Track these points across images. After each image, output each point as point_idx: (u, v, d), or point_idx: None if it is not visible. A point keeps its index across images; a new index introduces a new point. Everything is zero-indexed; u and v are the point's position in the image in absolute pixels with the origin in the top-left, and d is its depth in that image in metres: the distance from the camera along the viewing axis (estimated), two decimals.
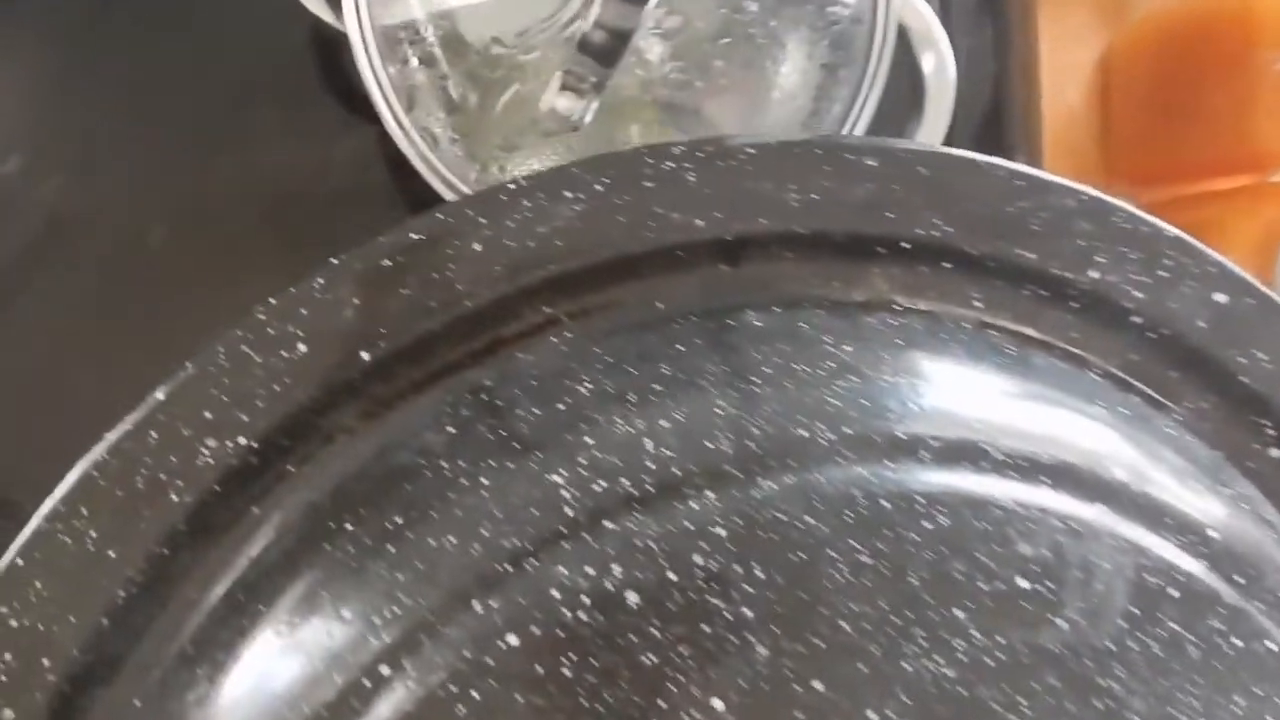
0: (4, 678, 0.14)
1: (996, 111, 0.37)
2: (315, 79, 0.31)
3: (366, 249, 0.15)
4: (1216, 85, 0.31)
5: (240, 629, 0.15)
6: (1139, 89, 0.35)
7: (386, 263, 0.16)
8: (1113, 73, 0.37)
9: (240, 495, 0.15)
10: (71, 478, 0.15)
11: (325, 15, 0.27)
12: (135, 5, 0.31)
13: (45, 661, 0.15)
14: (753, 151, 0.16)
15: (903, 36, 0.28)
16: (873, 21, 0.28)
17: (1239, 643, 0.16)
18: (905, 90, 0.29)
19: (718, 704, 0.14)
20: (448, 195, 0.26)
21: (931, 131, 0.29)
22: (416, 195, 0.26)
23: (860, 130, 0.28)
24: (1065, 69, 0.37)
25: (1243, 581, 0.16)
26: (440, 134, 0.27)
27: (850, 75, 0.29)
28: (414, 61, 0.27)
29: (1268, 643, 0.16)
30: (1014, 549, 0.15)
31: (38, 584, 0.15)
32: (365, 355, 0.16)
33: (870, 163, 0.17)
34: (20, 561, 0.15)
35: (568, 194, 0.16)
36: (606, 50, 0.24)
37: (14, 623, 0.15)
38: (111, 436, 0.15)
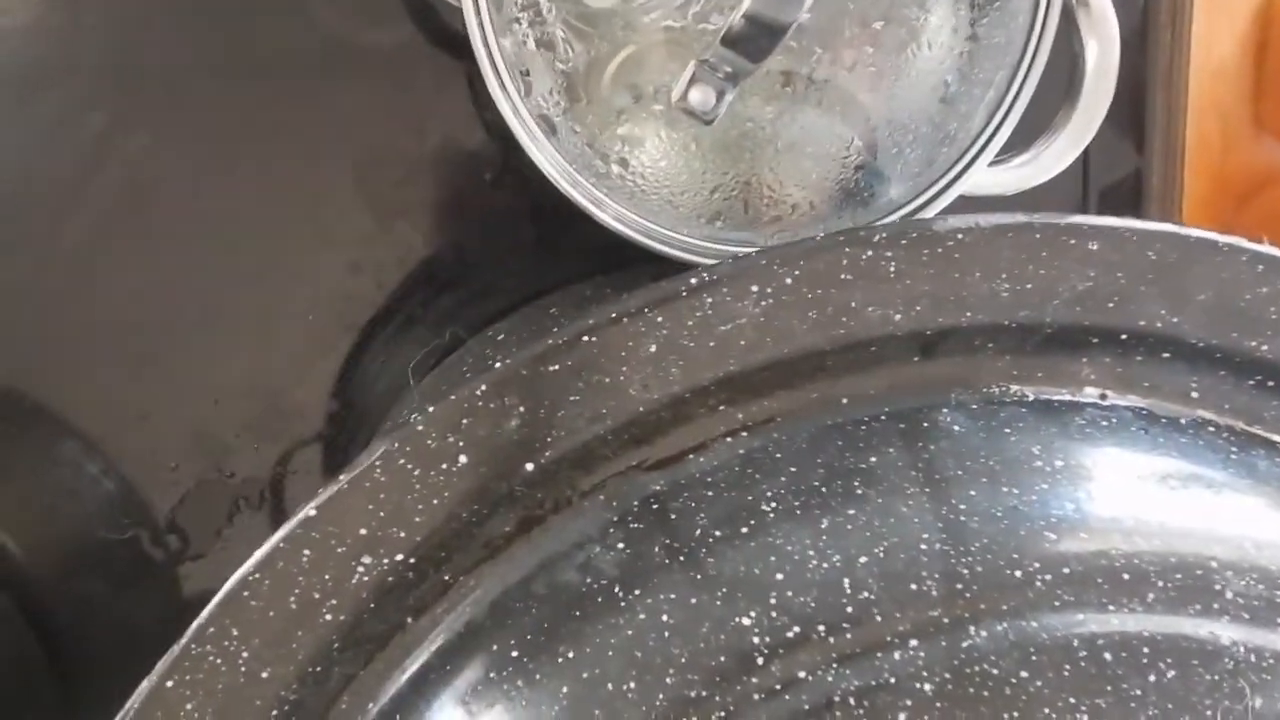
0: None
1: (1136, 76, 0.34)
2: (418, 43, 0.29)
3: (533, 352, 0.14)
4: None
5: None
6: None
7: (555, 368, 0.14)
8: (1273, 26, 0.34)
9: (396, 608, 0.14)
10: (221, 595, 0.14)
11: None
12: None
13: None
14: (961, 237, 0.14)
15: (1066, 16, 0.25)
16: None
17: None
18: (1055, 71, 0.27)
19: None
20: (564, 186, 0.24)
21: (1086, 124, 0.26)
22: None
23: (1012, 119, 0.26)
24: (1220, 21, 0.34)
25: None
26: (560, 123, 0.25)
27: (1002, 55, 0.26)
28: (531, 44, 0.25)
29: None
30: (1247, 703, 0.14)
31: (189, 706, 0.14)
32: (529, 466, 0.14)
33: (1093, 246, 0.15)
34: (170, 684, 0.14)
35: (754, 289, 0.14)
36: (755, 45, 0.21)
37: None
38: (261, 553, 0.14)
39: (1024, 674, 0.13)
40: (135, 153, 0.30)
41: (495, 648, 0.14)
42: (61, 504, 0.30)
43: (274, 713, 0.14)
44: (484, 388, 0.14)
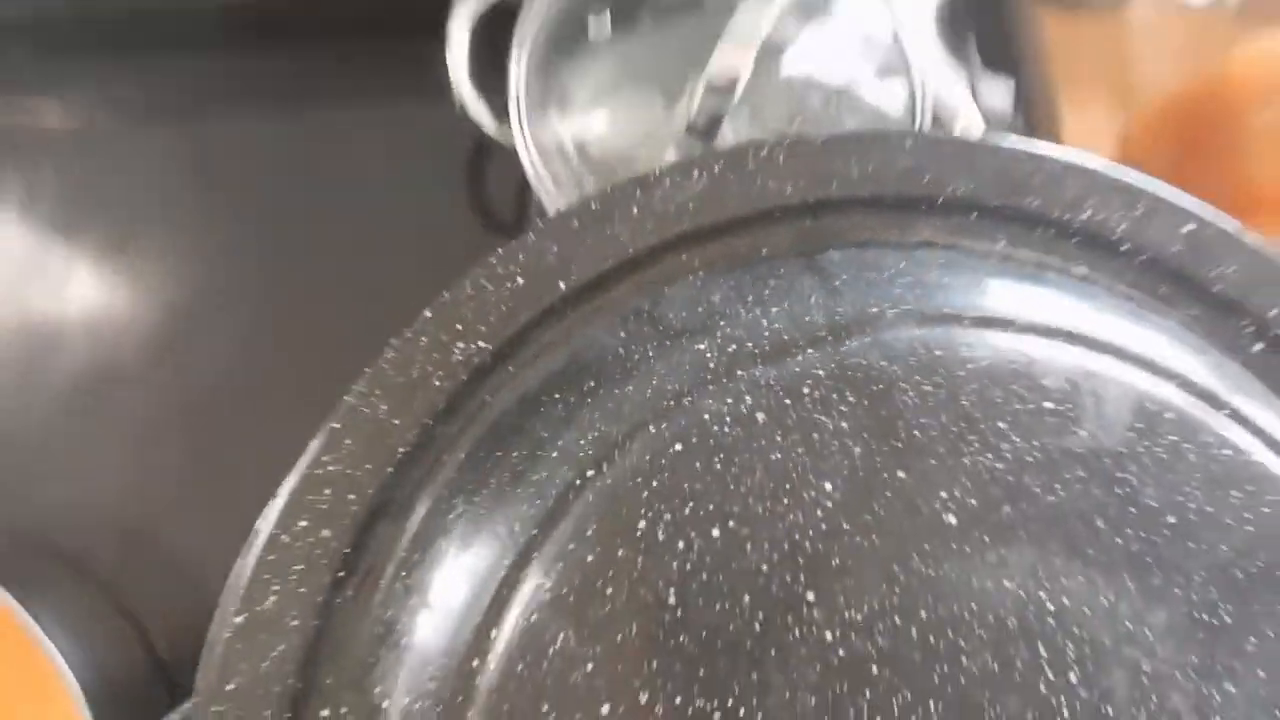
0: (325, 506, 0.21)
1: None
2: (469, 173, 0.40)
3: (560, 215, 0.23)
4: (1216, 148, 0.37)
5: (483, 473, 0.21)
6: (1154, 167, 0.41)
7: (575, 224, 0.23)
8: (1129, 159, 0.43)
9: (480, 387, 0.22)
10: (368, 371, 0.22)
11: (488, 128, 0.36)
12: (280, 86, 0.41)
13: (351, 496, 0.21)
14: (824, 140, 0.23)
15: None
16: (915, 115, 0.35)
17: (1228, 452, 0.20)
18: None
19: (827, 485, 0.19)
20: None
21: None
22: None
23: None
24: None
25: (1227, 413, 0.21)
26: None
27: None
28: (564, 173, 0.35)
29: (1254, 455, 0.21)
30: (1039, 381, 0.21)
31: (348, 441, 0.21)
32: (562, 285, 0.22)
33: (908, 143, 0.24)
34: (338, 425, 0.21)
35: (695, 173, 0.23)
36: (708, 130, 0.31)
37: (331, 468, 0.21)
38: (396, 341, 0.22)
39: (883, 363, 0.20)
40: None
41: (543, 399, 0.22)
42: None
43: (400, 450, 0.21)
44: (531, 236, 0.22)
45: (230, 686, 0.19)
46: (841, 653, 0.18)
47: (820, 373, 0.20)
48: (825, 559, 0.19)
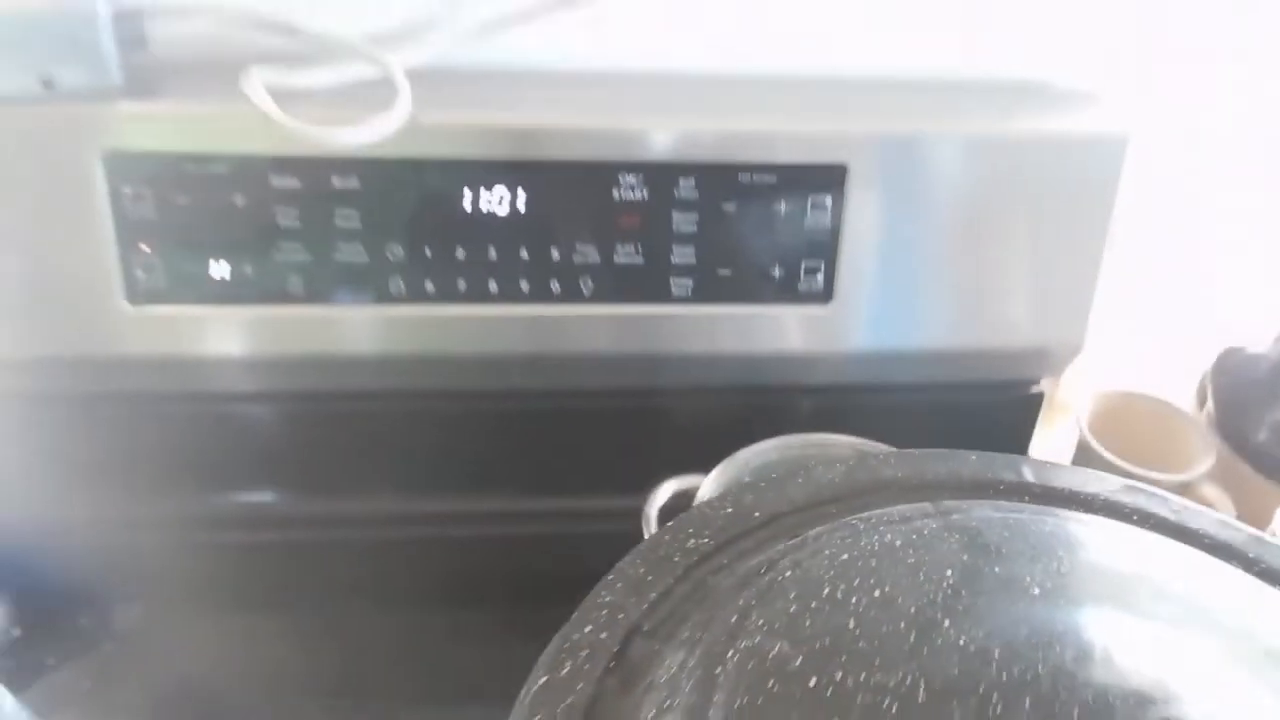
0: (604, 619, 0.31)
1: None
2: None
3: (755, 482, 0.36)
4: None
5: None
6: None
7: (762, 485, 0.36)
8: None
9: (702, 568, 0.33)
10: (637, 548, 0.33)
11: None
12: None
13: (620, 616, 0.31)
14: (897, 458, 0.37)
15: None
16: None
17: None
18: None
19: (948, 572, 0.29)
20: None
21: None
22: None
23: None
24: None
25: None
26: None
27: None
28: None
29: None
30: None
31: (619, 585, 0.32)
32: (756, 515, 0.35)
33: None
34: (612, 576, 0.32)
35: (838, 466, 0.37)
36: None
37: (607, 598, 0.31)
38: (654, 534, 0.34)
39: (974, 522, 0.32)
40: None
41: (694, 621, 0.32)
42: None
43: (651, 595, 0.32)
44: (741, 492, 0.35)
45: None
46: (964, 652, 0.27)
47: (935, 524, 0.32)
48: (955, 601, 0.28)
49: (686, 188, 0.52)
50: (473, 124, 0.50)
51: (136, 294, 0.51)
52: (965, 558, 0.30)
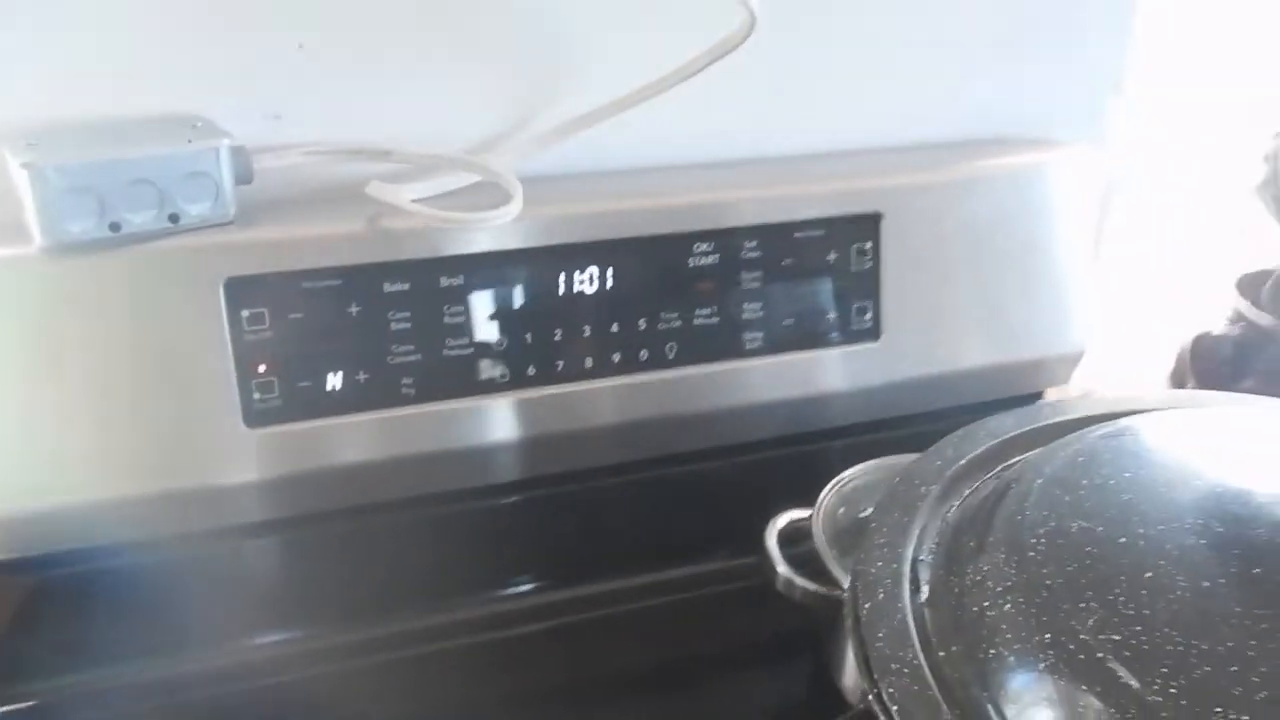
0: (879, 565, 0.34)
1: None
2: None
3: (916, 462, 0.41)
4: None
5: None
6: None
7: (937, 462, 0.41)
8: None
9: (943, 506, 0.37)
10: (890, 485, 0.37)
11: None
12: None
13: (900, 550, 0.35)
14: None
15: None
16: None
17: None
18: None
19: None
20: None
21: None
22: None
23: None
24: None
25: None
26: None
27: None
28: None
29: None
30: None
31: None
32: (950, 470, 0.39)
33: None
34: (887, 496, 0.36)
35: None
36: None
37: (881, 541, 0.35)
38: (903, 472, 0.38)
39: None
40: None
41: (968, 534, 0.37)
42: None
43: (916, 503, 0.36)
44: (942, 446, 0.40)
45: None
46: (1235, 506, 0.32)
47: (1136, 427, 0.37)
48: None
49: (749, 248, 0.58)
50: (567, 213, 0.55)
51: (252, 416, 0.52)
52: (1192, 445, 0.36)
